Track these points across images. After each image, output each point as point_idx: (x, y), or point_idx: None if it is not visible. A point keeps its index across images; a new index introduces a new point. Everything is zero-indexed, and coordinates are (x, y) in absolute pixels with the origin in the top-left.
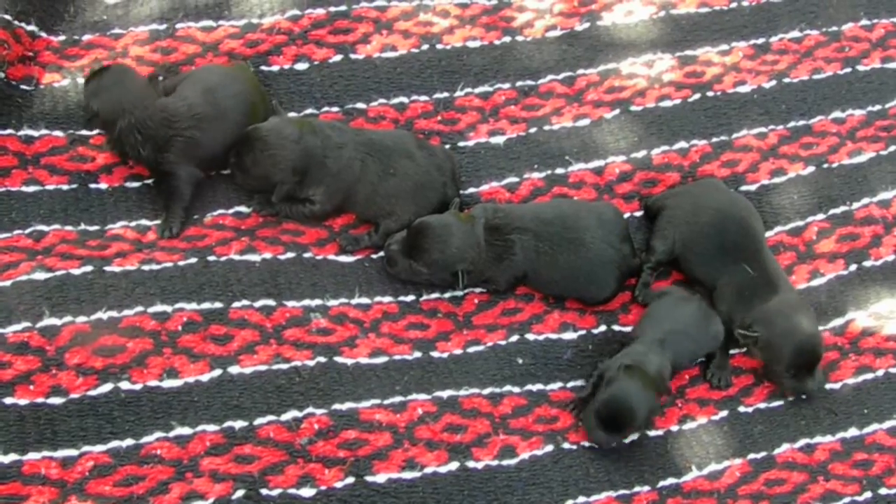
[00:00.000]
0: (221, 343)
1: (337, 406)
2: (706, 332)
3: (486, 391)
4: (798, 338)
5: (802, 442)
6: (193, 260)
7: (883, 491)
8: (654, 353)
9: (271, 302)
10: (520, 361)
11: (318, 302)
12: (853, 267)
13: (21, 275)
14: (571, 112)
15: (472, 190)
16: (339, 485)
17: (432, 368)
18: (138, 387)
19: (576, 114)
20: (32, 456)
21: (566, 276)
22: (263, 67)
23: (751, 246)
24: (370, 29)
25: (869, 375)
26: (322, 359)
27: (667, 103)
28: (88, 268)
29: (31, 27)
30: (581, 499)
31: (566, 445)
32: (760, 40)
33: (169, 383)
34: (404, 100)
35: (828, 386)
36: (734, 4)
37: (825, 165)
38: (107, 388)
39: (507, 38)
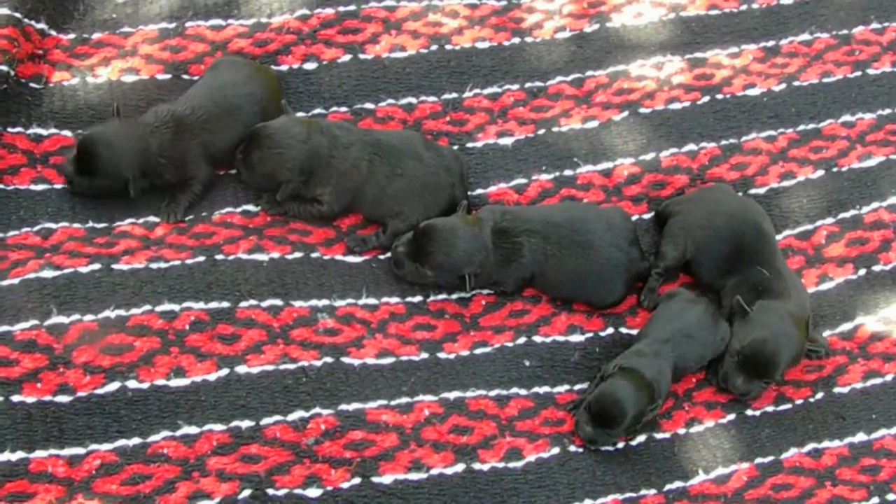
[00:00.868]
0: (229, 343)
1: (343, 406)
2: (713, 335)
3: (493, 393)
4: (752, 339)
5: (810, 446)
6: (201, 258)
7: (891, 497)
8: (656, 356)
9: (279, 302)
10: (527, 363)
11: (325, 302)
12: (862, 271)
13: (29, 273)
14: (580, 114)
15: (480, 191)
16: (345, 485)
17: (439, 370)
18: (145, 385)
19: (584, 115)
20: (39, 454)
21: (574, 280)
22: (272, 67)
23: (765, 250)
24: (379, 29)
25: (877, 380)
26: (329, 359)
27: (676, 105)
28: (96, 266)
29: (41, 25)
30: (587, 502)
31: (572, 448)
32: (770, 43)
33: (176, 382)
34: (413, 100)
35: (836, 390)
36: (744, 7)
37: (835, 169)
38: (114, 386)
39: (517, 40)
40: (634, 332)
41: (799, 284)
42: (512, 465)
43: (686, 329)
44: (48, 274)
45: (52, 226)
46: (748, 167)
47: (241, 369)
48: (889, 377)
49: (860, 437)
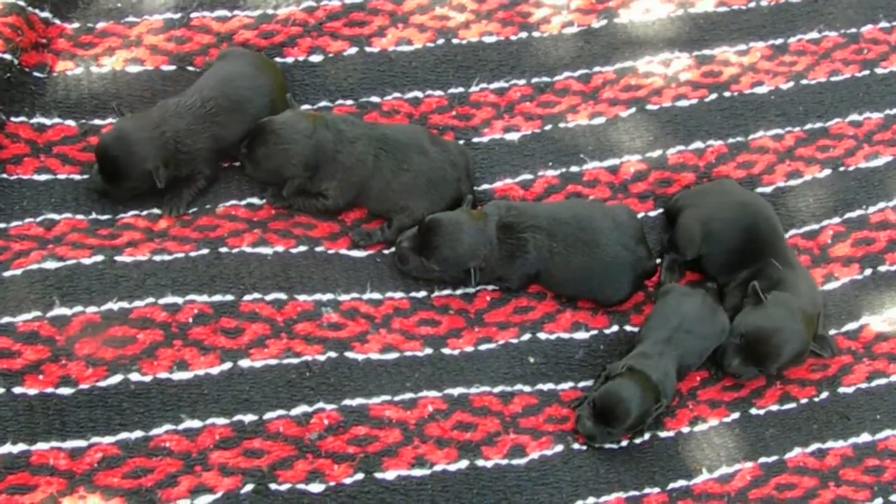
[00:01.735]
0: (232, 336)
1: (347, 402)
2: (712, 326)
3: (497, 389)
4: (759, 325)
5: (814, 446)
6: (205, 251)
7: (894, 498)
8: (661, 357)
9: (283, 296)
10: (531, 360)
11: (329, 296)
12: (868, 271)
13: (32, 263)
14: (587, 110)
15: (485, 186)
16: (348, 481)
17: (443, 365)
18: (148, 378)
19: (591, 112)
20: (41, 446)
21: (580, 277)
22: (278, 59)
23: (778, 243)
24: (386, 22)
25: (882, 381)
26: (333, 354)
27: (683, 103)
28: (99, 257)
29: (45, 14)
30: (591, 499)
31: (576, 446)
32: (778, 41)
33: (179, 375)
34: (419, 94)
35: (841, 390)
36: (752, 4)
37: (841, 168)
38: (116, 379)
39: (524, 34)
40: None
41: (811, 280)
42: (515, 462)
43: (685, 324)
44: (51, 265)
45: (56, 216)
46: (755, 165)
47: (245, 363)
48: (894, 377)
49: (864, 437)
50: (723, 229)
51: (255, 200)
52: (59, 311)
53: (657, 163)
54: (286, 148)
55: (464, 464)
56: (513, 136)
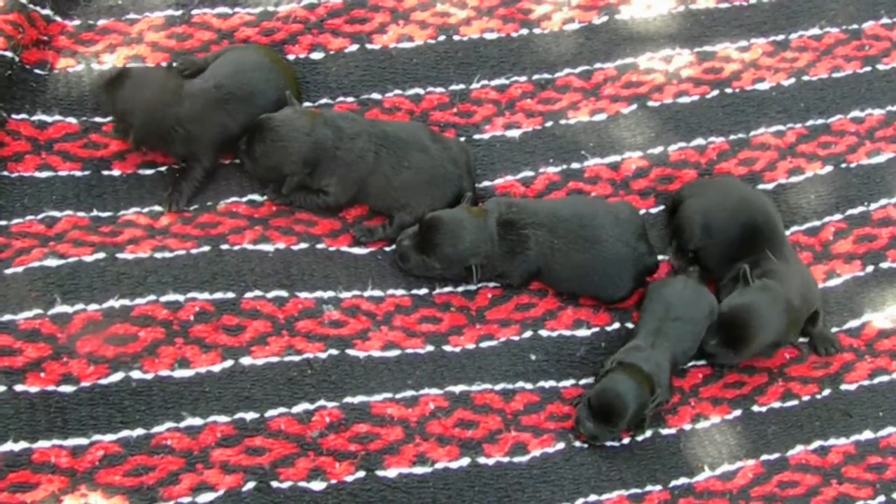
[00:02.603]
0: (234, 334)
1: (349, 399)
2: (699, 308)
3: (499, 387)
4: (738, 305)
5: (816, 444)
6: (206, 248)
7: None
8: (651, 349)
9: (284, 293)
10: (533, 358)
11: (330, 294)
12: (870, 268)
13: (33, 261)
14: (588, 106)
15: (486, 183)
16: (349, 478)
17: (444, 363)
18: (149, 376)
19: (592, 108)
20: (42, 444)
21: (581, 275)
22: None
23: (776, 237)
24: (387, 19)
25: (884, 378)
26: (334, 351)
27: (685, 99)
28: (101, 255)
29: (46, 11)
30: (592, 497)
31: (578, 443)
32: (780, 37)
33: (180, 373)
34: (420, 91)
35: (843, 387)
36: (754, 0)
37: (843, 165)
38: (118, 377)
39: (525, 31)
40: None
41: (808, 277)
42: (517, 459)
43: (671, 312)
44: (52, 263)
45: (57, 214)
46: (756, 162)
47: (246, 361)
48: None
49: (867, 434)
50: (722, 222)
51: (256, 197)
52: (61, 308)
53: (658, 159)
54: (285, 145)
55: (465, 461)
56: (514, 133)
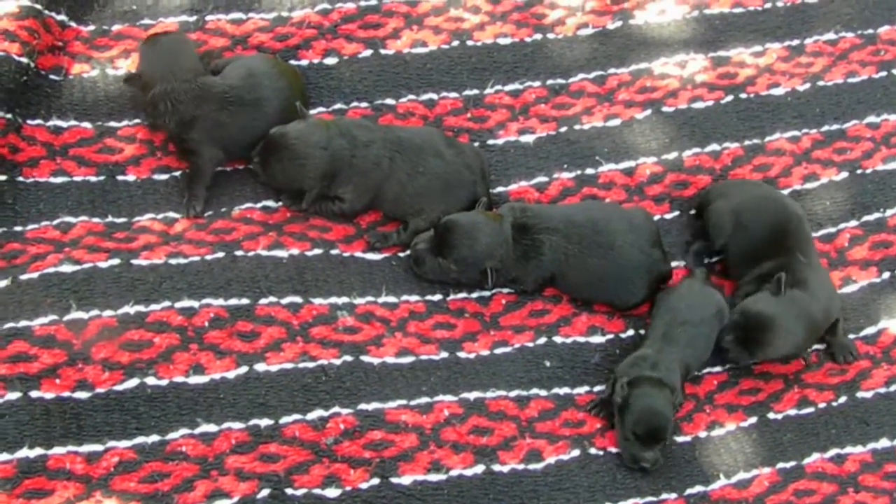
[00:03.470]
0: (248, 340)
1: (363, 406)
2: (706, 308)
3: (513, 394)
4: (764, 312)
5: (833, 452)
6: (221, 254)
7: None
8: (658, 354)
9: (298, 299)
10: (547, 364)
11: (344, 300)
12: (886, 275)
13: (48, 267)
14: (602, 112)
15: (500, 189)
16: (364, 486)
17: (459, 369)
18: (164, 382)
19: (607, 113)
20: (58, 450)
21: (595, 281)
22: (292, 62)
23: (806, 240)
24: (401, 24)
25: None
26: (348, 358)
27: (699, 104)
28: (115, 261)
29: (61, 17)
30: None
31: (593, 450)
32: (795, 42)
33: (195, 380)
34: (434, 96)
35: (859, 395)
36: (768, 5)
37: (859, 171)
38: (133, 383)
39: (539, 36)
40: None
41: (830, 287)
42: (532, 466)
43: (678, 317)
44: (67, 269)
45: (72, 220)
46: (771, 168)
47: (261, 367)
48: None
49: (883, 442)
50: (753, 221)
51: (270, 203)
52: (76, 314)
53: (673, 165)
54: (303, 163)
55: (480, 469)
56: (528, 139)
